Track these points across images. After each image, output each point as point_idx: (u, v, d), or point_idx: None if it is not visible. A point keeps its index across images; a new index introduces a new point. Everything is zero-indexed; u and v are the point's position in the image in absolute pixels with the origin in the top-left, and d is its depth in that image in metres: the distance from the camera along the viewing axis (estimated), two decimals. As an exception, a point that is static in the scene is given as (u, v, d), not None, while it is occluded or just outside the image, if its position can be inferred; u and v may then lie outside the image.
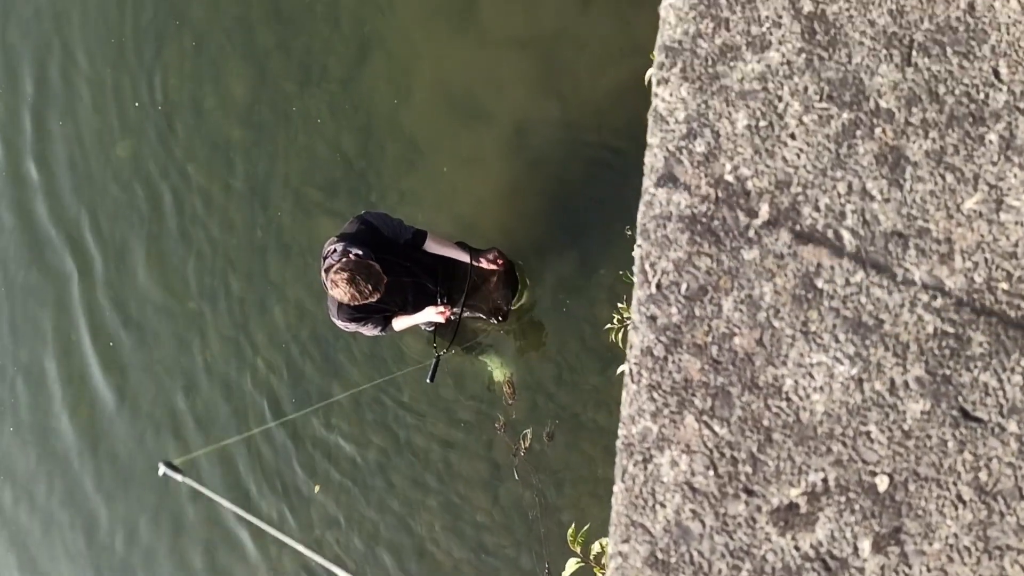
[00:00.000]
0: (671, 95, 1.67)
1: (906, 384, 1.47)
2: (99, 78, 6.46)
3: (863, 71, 1.54)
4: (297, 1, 6.22)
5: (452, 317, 4.67)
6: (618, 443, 1.64)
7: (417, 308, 4.57)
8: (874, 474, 1.45)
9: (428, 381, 4.88)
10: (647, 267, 1.66)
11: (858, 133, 1.54)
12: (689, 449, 1.57)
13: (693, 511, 1.54)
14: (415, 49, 5.76)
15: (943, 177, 1.49)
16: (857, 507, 1.45)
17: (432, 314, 4.51)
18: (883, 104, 1.53)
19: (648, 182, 1.69)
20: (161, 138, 6.42)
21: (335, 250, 4.13)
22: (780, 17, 1.60)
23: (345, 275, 3.93)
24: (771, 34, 1.61)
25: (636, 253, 1.69)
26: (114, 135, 6.51)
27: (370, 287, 3.96)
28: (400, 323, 4.59)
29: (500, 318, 5.08)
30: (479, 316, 5.08)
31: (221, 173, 6.25)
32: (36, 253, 6.48)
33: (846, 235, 1.53)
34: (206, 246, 6.24)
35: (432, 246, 4.53)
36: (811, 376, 1.52)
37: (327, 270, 4.09)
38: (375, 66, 5.94)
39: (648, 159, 1.69)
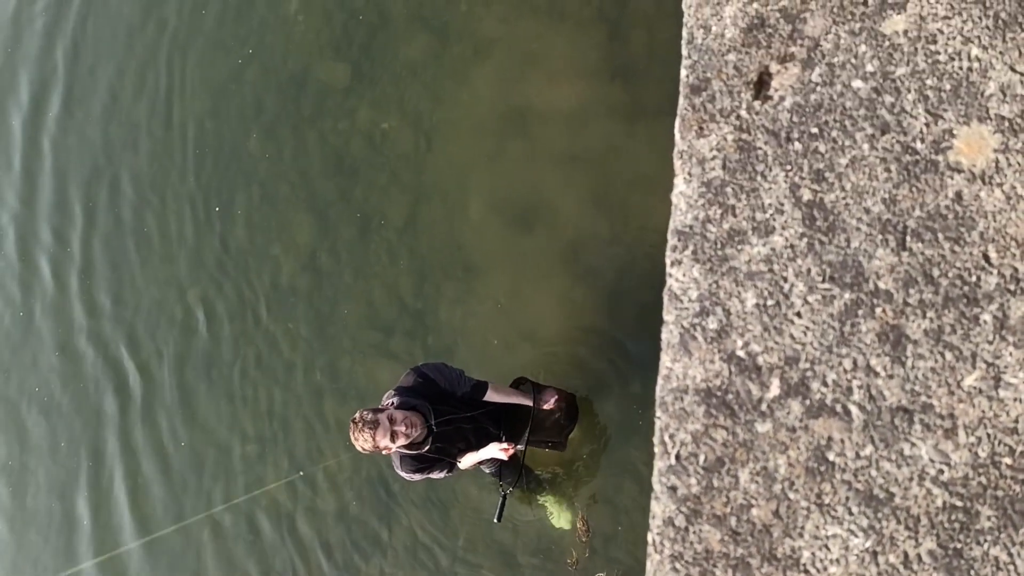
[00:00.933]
0: (684, 275, 1.79)
1: (919, 557, 1.51)
2: (167, 225, 6.86)
3: (861, 255, 1.65)
4: (358, 154, 6.56)
5: (516, 453, 4.73)
6: (644, 614, 1.69)
7: (481, 447, 4.65)
8: (891, 650, 1.48)
9: (495, 521, 4.90)
10: (666, 438, 1.75)
11: (860, 312, 1.63)
12: (712, 621, 1.61)
13: None
14: (468, 186, 6.03)
15: (943, 355, 1.56)
16: None
17: (495, 451, 4.56)
18: (882, 285, 1.62)
19: (665, 357, 1.79)
20: (226, 285, 6.71)
21: (392, 403, 4.26)
22: (782, 205, 1.73)
23: (359, 427, 3.99)
24: (774, 220, 1.73)
25: (656, 424, 1.78)
26: (182, 282, 6.84)
27: (375, 435, 3.98)
28: (466, 461, 4.64)
29: (558, 447, 5.11)
30: (538, 447, 5.12)
31: (282, 318, 6.50)
32: (92, 389, 6.76)
33: (854, 410, 1.60)
34: (265, 390, 6.44)
35: (493, 396, 4.62)
36: (827, 548, 1.57)
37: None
38: (431, 211, 6.19)
39: (664, 335, 1.80)
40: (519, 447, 4.74)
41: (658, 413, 1.77)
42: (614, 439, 5.35)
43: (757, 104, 1.79)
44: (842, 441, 1.60)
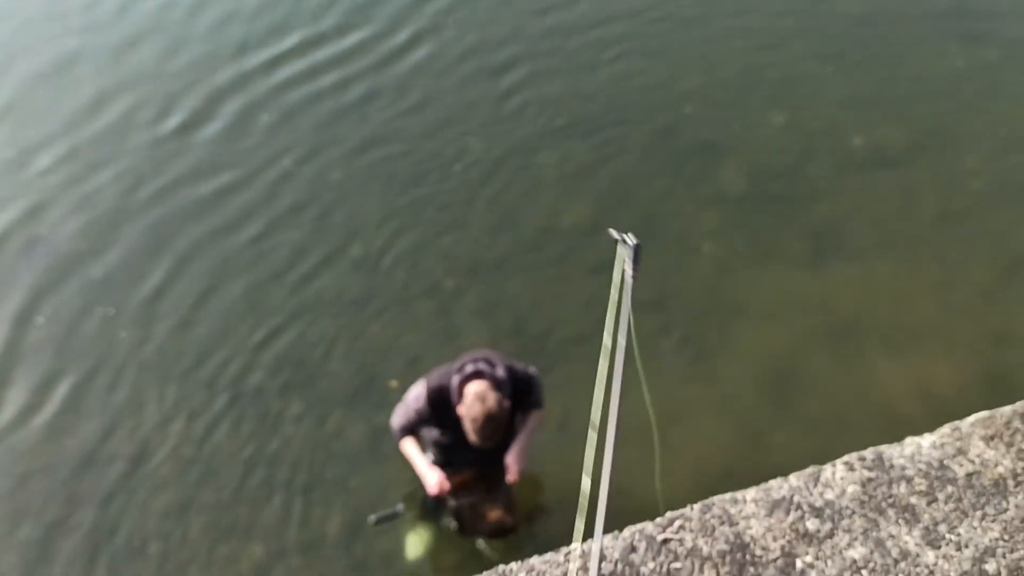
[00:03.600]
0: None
1: None
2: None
3: None
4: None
5: (444, 500, 4.54)
6: None
7: (448, 455, 4.52)
8: None
9: (370, 519, 4.67)
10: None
11: None
12: None
13: None
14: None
15: None
16: None
17: (431, 476, 4.43)
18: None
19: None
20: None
21: (494, 364, 4.28)
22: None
23: (495, 410, 4.05)
24: None
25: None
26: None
27: (488, 432, 4.08)
28: (409, 447, 4.54)
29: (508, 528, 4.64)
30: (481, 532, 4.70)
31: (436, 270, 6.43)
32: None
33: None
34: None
35: (532, 420, 4.54)
36: None
37: (476, 375, 4.21)
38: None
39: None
40: (450, 500, 4.56)
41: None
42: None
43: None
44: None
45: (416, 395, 4.43)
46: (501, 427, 4.10)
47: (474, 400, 4.07)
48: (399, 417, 4.53)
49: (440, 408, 4.33)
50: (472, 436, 4.12)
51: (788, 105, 7.19)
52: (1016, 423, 3.14)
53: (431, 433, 4.50)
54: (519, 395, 4.38)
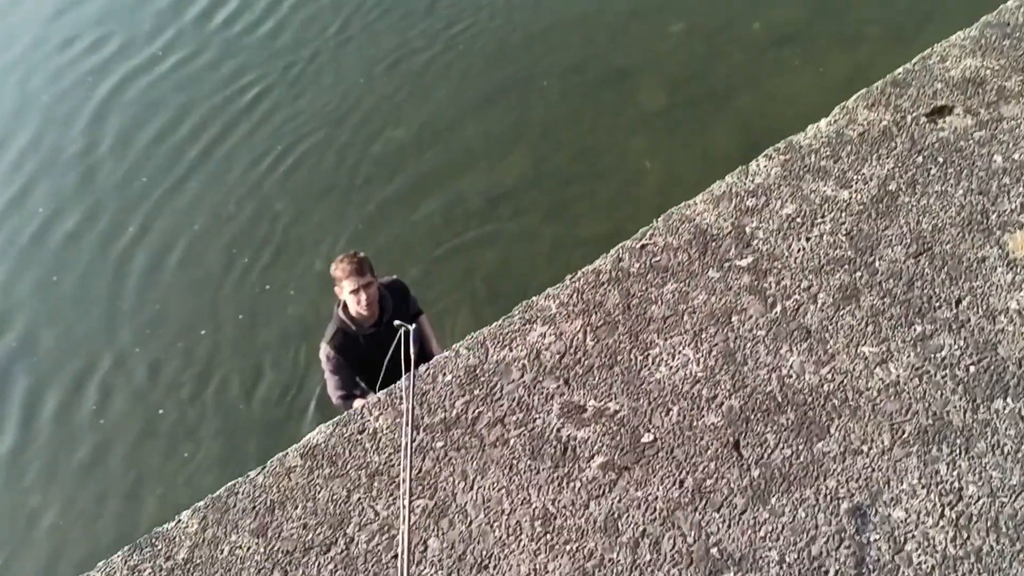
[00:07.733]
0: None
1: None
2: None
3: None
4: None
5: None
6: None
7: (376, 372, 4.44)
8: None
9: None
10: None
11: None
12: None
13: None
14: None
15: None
16: None
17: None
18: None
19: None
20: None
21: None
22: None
23: (355, 254, 4.37)
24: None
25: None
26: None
27: (362, 267, 4.32)
28: (357, 403, 4.43)
29: None
30: None
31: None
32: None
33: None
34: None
35: (427, 326, 4.79)
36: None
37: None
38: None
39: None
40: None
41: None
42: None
43: None
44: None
45: (324, 356, 4.59)
46: (367, 267, 4.32)
47: (340, 272, 4.34)
48: (332, 388, 4.64)
49: (344, 343, 4.50)
50: (354, 300, 4.30)
51: (682, 13, 7.46)
52: (888, 89, 3.85)
53: (356, 372, 4.60)
54: (400, 299, 4.61)
